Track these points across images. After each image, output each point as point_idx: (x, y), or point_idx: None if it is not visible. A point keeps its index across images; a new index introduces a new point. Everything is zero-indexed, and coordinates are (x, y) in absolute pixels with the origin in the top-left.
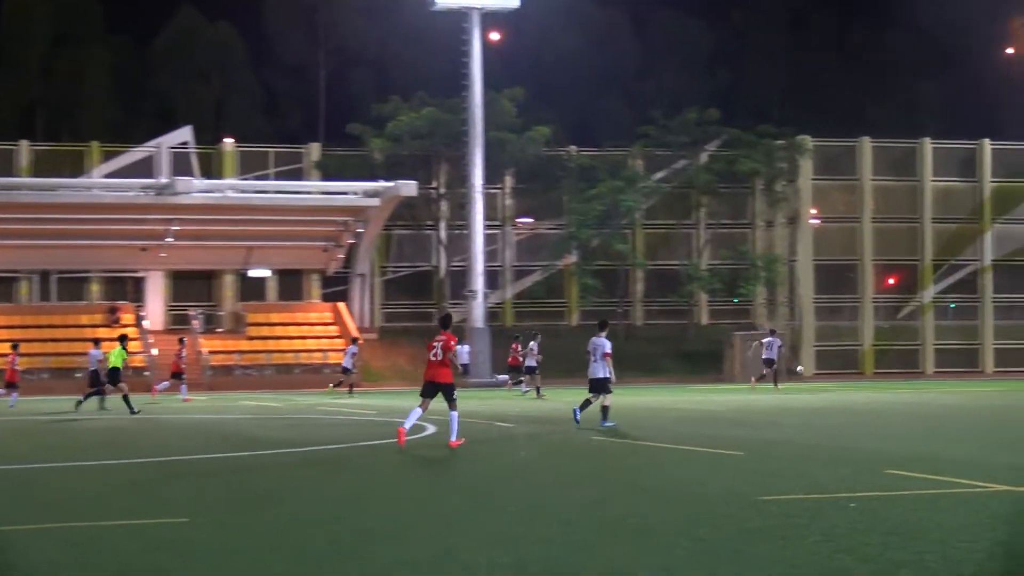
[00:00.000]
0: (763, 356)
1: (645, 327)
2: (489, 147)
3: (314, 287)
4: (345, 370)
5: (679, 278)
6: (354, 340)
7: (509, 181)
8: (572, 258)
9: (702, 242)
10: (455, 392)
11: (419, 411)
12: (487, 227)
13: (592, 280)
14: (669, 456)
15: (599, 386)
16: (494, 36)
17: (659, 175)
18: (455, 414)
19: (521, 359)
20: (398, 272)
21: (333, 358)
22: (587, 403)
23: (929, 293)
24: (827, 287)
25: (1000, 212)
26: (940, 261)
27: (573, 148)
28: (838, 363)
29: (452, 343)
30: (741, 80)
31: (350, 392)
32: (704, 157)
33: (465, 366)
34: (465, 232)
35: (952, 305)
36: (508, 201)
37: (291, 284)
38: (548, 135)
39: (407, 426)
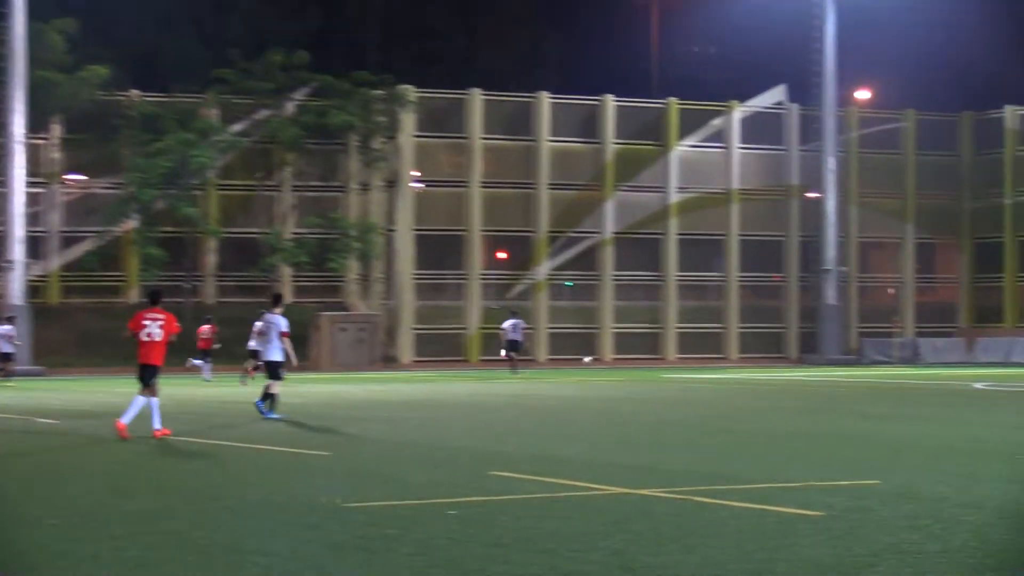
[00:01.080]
0: (507, 338)
1: (219, 305)
2: (33, 89)
3: None
4: None
5: (259, 249)
6: None
7: (57, 130)
8: (132, 223)
9: (287, 207)
10: (158, 377)
11: (143, 400)
12: (29, 184)
13: (156, 250)
14: (244, 458)
15: (274, 370)
16: None
17: (237, 127)
18: (156, 401)
19: (210, 343)
20: None
21: None
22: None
23: (544, 269)
24: (430, 261)
25: (624, 178)
26: (556, 233)
27: (135, 92)
28: (439, 349)
29: (175, 325)
30: (335, 19)
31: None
32: (291, 108)
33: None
34: (2, 190)
35: (569, 284)
36: (56, 154)
37: None
38: (106, 76)
39: (127, 419)
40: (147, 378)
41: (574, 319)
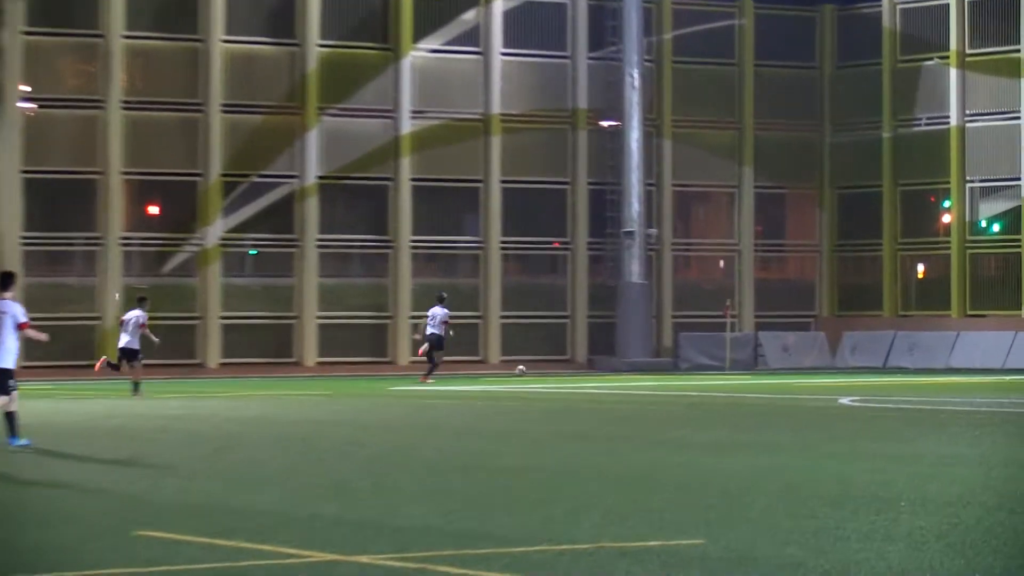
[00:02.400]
0: (427, 332)
1: None
2: None
3: None
4: None
5: None
6: None
7: None
8: None
9: None
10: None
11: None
12: None
13: None
14: None
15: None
16: None
17: None
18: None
19: None
20: None
21: None
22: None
23: (216, 231)
24: (46, 219)
25: (334, 98)
26: (235, 176)
27: None
28: (57, 350)
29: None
30: None
31: None
32: None
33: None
34: None
35: (253, 251)
36: None
37: None
38: None
39: None
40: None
41: (260, 303)
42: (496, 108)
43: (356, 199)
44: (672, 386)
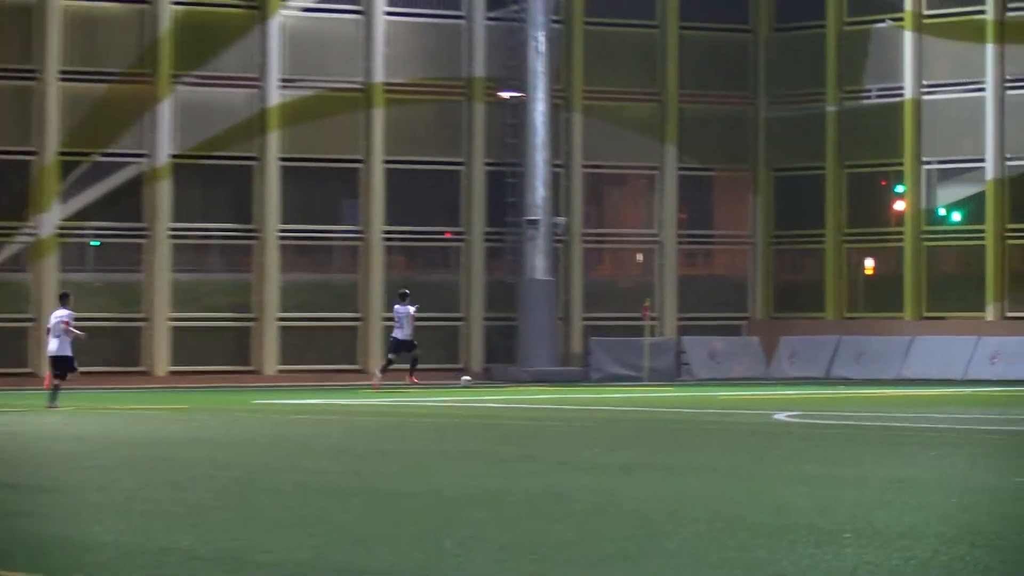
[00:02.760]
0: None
1: None
2: None
3: None
4: None
5: None
6: None
7: None
8: None
9: None
10: None
11: None
12: None
13: None
14: None
15: None
16: None
17: None
18: None
19: None
20: None
21: None
22: None
23: (52, 218)
24: None
25: (191, 63)
26: (74, 155)
27: None
28: None
29: None
30: None
31: None
32: None
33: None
34: None
35: (95, 243)
36: None
37: None
38: None
39: None
40: None
41: (104, 302)
42: (379, 76)
43: (216, 182)
44: (582, 399)
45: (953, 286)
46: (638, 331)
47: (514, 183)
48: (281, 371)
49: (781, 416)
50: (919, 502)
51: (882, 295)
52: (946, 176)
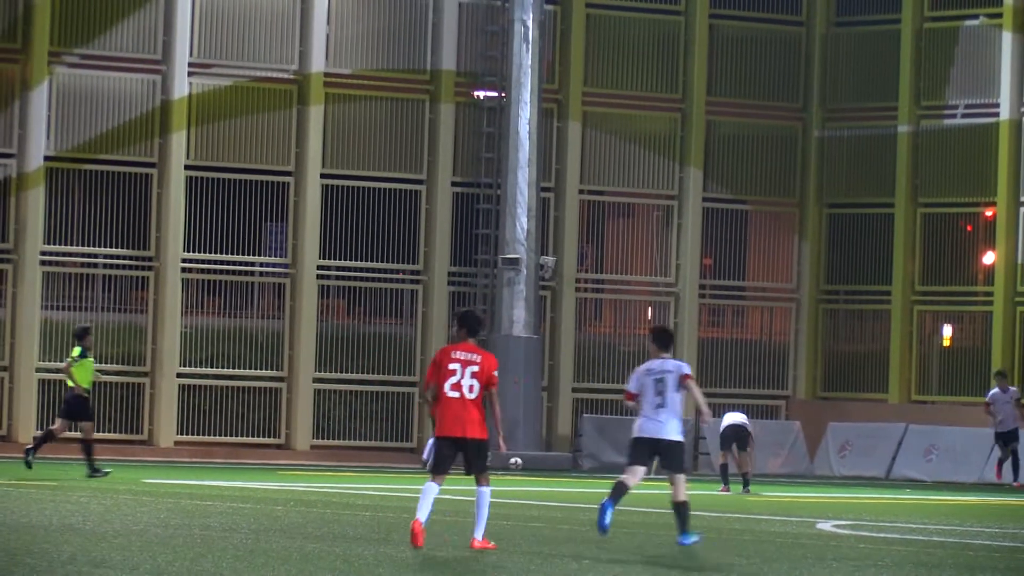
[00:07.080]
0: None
1: None
2: None
3: None
4: None
5: None
6: None
7: None
8: None
9: None
10: (489, 456)
11: (435, 487)
12: None
13: None
14: None
15: None
16: None
17: None
18: (486, 491)
19: None
20: None
21: None
22: None
23: None
24: None
25: (73, 40)
26: None
27: None
28: None
29: (494, 370)
30: None
31: None
32: None
33: None
34: None
35: None
36: None
37: None
38: None
39: (424, 516)
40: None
41: None
42: (318, 65)
43: (101, 193)
44: (568, 495)
45: None
46: None
47: (489, 210)
48: (180, 442)
49: (826, 526)
50: None
51: (963, 373)
52: None
